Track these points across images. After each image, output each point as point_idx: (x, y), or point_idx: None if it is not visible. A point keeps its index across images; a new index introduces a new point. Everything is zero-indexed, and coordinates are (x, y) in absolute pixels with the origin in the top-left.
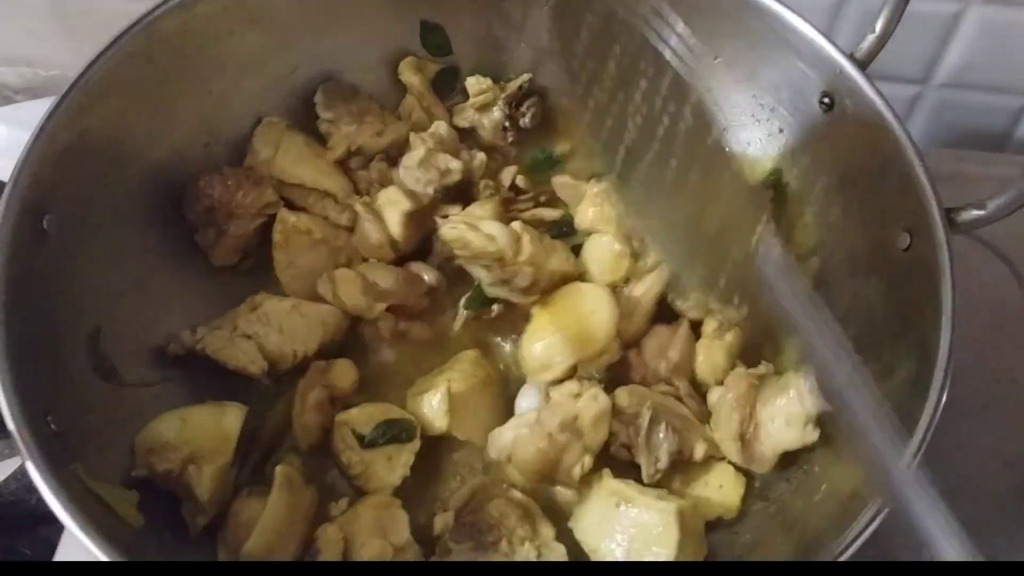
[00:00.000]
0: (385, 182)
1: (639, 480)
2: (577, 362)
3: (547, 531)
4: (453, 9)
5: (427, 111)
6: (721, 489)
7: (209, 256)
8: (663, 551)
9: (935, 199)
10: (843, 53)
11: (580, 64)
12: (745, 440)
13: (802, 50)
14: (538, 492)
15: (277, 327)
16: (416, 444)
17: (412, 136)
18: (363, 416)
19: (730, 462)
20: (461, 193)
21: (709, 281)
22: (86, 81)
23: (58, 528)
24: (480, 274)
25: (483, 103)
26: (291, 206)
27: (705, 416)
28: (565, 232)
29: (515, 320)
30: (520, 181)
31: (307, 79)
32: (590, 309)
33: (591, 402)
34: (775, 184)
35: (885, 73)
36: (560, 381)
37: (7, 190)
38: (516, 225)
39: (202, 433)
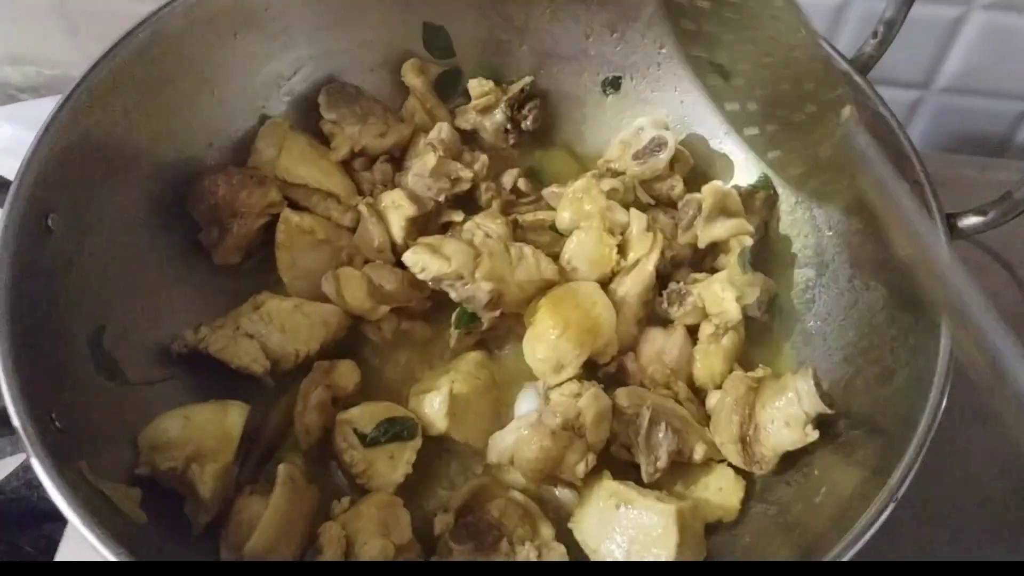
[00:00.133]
0: (388, 183)
1: (639, 481)
2: (591, 354)
3: (547, 531)
4: (456, 11)
5: (429, 113)
6: (721, 491)
7: (212, 255)
8: (663, 552)
9: (936, 205)
10: (844, 59)
11: None
12: (745, 442)
13: None
14: (539, 493)
15: (280, 326)
16: (418, 442)
17: (422, 142)
18: (365, 415)
19: (730, 465)
20: (461, 196)
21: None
22: (90, 80)
23: (60, 525)
24: (451, 294)
25: (485, 105)
26: (294, 206)
27: (704, 419)
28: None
29: (510, 330)
30: (522, 184)
31: (310, 80)
32: (589, 303)
33: (592, 400)
34: (765, 187)
35: (886, 78)
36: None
37: (12, 188)
38: (479, 241)
39: (205, 432)
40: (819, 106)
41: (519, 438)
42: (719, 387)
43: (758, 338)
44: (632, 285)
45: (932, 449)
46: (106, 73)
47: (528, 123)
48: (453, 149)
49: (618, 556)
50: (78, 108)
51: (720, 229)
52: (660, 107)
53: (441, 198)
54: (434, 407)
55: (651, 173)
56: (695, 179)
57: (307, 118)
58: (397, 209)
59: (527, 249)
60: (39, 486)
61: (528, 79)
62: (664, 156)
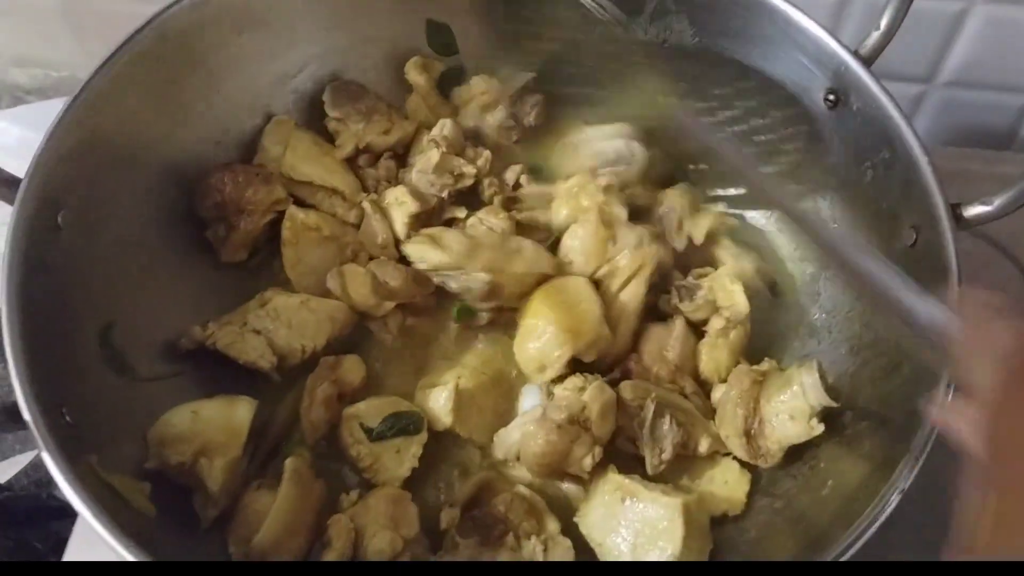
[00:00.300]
0: (392, 179)
1: (644, 474)
2: (573, 353)
3: (553, 525)
4: (459, 8)
5: (432, 110)
6: (726, 484)
7: (219, 252)
8: (668, 545)
9: (941, 195)
10: (848, 50)
11: None
12: (750, 436)
13: (807, 47)
14: (544, 487)
15: (286, 322)
16: (424, 436)
17: (425, 139)
18: (371, 409)
19: (735, 458)
20: (464, 192)
21: None
22: (97, 81)
23: (68, 522)
24: (451, 285)
25: (487, 102)
26: (300, 203)
27: (709, 413)
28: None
29: (509, 324)
30: (524, 181)
31: (315, 78)
32: (574, 300)
33: (597, 393)
34: None
35: (889, 72)
36: (561, 378)
37: (22, 187)
38: (479, 232)
39: (213, 426)
40: None
41: (525, 433)
42: (724, 380)
43: (763, 331)
44: (637, 289)
45: (938, 441)
46: (112, 74)
47: (531, 119)
48: (456, 145)
49: (624, 549)
50: (85, 109)
51: (706, 218)
52: None
53: (444, 194)
54: (440, 402)
55: (621, 184)
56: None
57: (313, 115)
58: (400, 206)
59: (526, 242)
60: (48, 484)
61: (530, 75)
62: (635, 168)
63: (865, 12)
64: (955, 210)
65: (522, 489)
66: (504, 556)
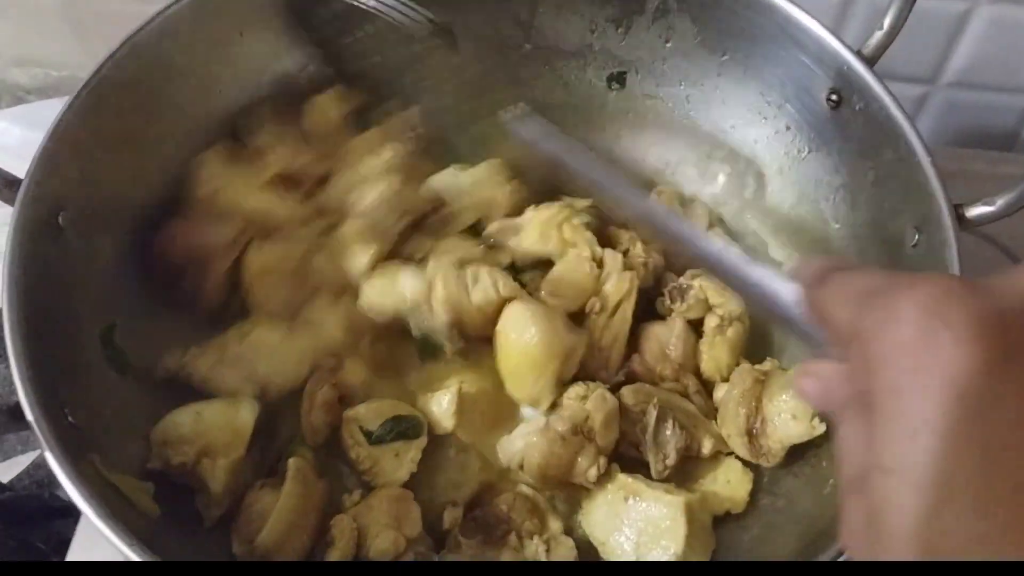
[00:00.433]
0: (340, 209)
1: (647, 474)
2: (557, 379)
3: (556, 525)
4: (460, 7)
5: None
6: (729, 484)
7: (198, 303)
8: (672, 544)
9: (944, 195)
10: (850, 50)
11: None
12: (752, 435)
13: (809, 47)
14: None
15: (267, 357)
16: (423, 441)
17: (367, 168)
18: (371, 412)
19: (738, 457)
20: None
21: None
22: (98, 81)
23: (70, 522)
24: (412, 327)
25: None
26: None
27: (712, 412)
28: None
29: (483, 353)
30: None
31: (317, 77)
32: (521, 335)
33: (600, 403)
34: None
35: (892, 73)
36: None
37: (22, 187)
38: (431, 269)
39: (216, 427)
40: None
41: (528, 443)
42: (726, 380)
43: (765, 330)
44: (618, 323)
45: None
46: (113, 74)
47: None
48: (408, 170)
49: (627, 548)
50: (86, 108)
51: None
52: (666, 102)
53: (399, 228)
54: (442, 406)
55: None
56: None
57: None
58: (360, 245)
59: (483, 271)
60: (50, 483)
61: (415, 109)
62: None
63: (868, 12)
64: (958, 210)
65: (525, 489)
66: (507, 556)
